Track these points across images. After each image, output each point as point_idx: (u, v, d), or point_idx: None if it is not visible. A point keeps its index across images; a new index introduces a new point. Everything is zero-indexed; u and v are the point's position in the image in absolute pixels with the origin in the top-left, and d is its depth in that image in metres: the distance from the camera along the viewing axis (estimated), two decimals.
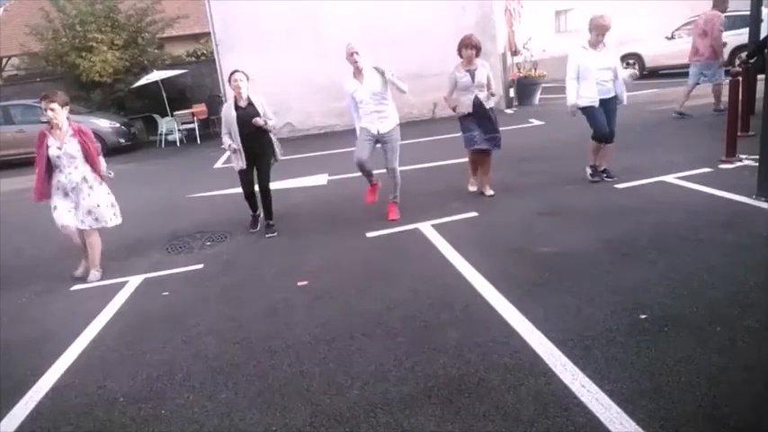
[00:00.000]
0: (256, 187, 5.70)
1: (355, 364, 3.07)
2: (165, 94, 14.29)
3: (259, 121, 5.28)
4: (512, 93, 13.29)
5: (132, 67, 15.14)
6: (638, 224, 4.68)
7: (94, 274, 4.96)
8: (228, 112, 5.39)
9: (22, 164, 13.50)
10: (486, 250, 4.53)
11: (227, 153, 5.84)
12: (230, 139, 5.40)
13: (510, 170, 7.05)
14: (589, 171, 6.12)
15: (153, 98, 14.68)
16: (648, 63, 15.22)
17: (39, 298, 4.71)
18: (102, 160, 4.97)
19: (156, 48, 16.74)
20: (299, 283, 4.30)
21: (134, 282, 4.76)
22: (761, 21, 8.29)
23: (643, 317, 3.19)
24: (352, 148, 5.84)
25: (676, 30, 14.80)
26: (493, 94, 5.78)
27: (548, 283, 3.81)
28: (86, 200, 4.84)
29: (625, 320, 3.18)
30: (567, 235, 4.66)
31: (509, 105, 13.10)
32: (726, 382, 2.55)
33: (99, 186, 4.94)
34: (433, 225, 5.24)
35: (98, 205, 4.89)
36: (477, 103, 5.69)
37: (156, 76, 14.05)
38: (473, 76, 5.65)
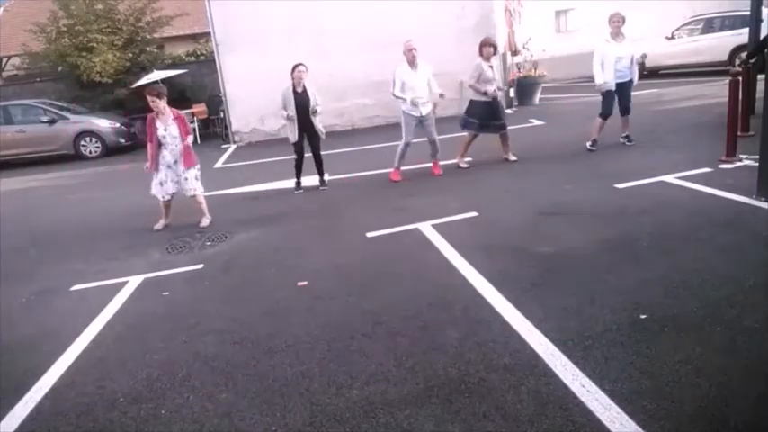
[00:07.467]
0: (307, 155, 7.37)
1: (355, 364, 3.07)
2: None
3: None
4: (512, 93, 13.28)
5: (132, 67, 15.12)
6: (638, 224, 4.68)
7: (205, 220, 6.27)
8: (288, 95, 6.99)
9: (23, 164, 13.52)
10: (486, 250, 4.53)
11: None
12: (286, 111, 7.02)
13: (510, 170, 7.06)
14: (589, 144, 7.40)
15: None
16: (648, 63, 15.17)
17: (39, 298, 4.71)
18: (189, 139, 6.13)
19: (156, 48, 16.72)
20: (299, 283, 4.30)
21: (134, 282, 4.76)
22: (761, 21, 8.29)
23: (643, 317, 3.19)
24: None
25: (676, 30, 14.78)
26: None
27: (548, 283, 3.81)
28: (185, 171, 6.13)
29: (625, 320, 3.18)
30: (566, 235, 4.66)
31: (509, 105, 13.08)
32: (726, 382, 2.55)
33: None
34: (433, 225, 5.24)
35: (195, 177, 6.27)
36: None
37: (156, 76, 14.01)
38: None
